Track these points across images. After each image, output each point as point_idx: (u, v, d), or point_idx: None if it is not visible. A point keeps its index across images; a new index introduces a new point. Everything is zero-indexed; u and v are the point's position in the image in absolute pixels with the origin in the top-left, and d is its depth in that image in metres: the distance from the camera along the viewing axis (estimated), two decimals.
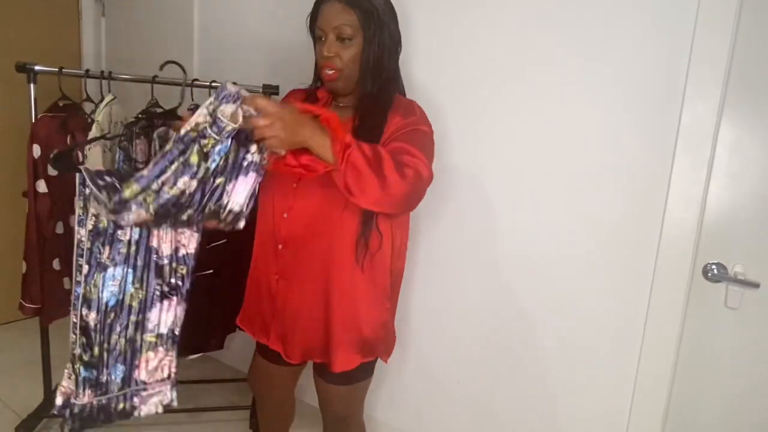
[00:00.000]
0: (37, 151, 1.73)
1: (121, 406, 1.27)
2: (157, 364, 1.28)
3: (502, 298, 1.72)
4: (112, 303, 1.20)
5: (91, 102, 1.90)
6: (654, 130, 1.43)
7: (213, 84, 1.88)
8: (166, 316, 1.26)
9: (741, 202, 1.37)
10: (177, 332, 1.29)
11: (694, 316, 1.44)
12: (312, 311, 1.30)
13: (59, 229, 1.83)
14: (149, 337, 1.26)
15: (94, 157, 1.71)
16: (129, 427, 2.02)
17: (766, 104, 1.32)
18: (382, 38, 1.27)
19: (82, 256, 1.16)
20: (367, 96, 1.29)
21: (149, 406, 1.29)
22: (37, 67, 1.73)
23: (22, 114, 1.79)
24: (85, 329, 1.19)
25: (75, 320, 1.19)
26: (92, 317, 1.18)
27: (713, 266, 1.40)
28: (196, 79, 1.93)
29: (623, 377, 1.53)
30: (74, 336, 1.20)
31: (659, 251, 1.44)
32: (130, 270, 1.20)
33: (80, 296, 1.17)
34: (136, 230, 1.19)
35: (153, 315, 1.25)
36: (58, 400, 1.26)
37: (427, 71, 1.75)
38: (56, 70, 1.75)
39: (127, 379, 1.26)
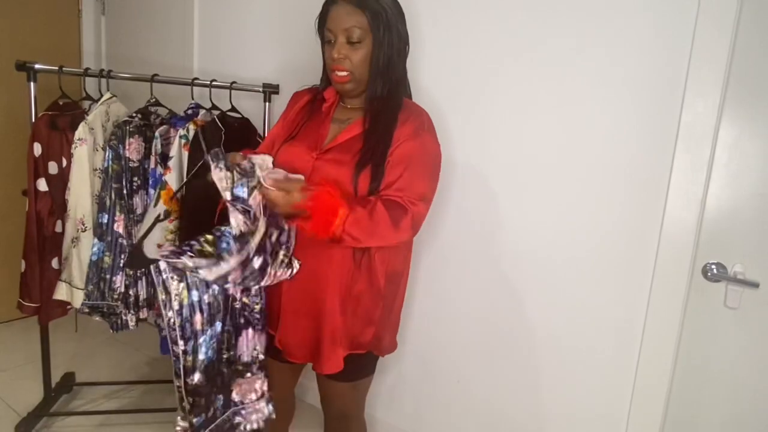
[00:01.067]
0: (38, 149, 1.73)
1: (227, 425, 1.33)
2: (248, 387, 1.33)
3: (502, 297, 1.72)
4: (214, 358, 1.25)
5: (90, 100, 1.90)
6: (654, 130, 1.43)
7: (213, 83, 1.88)
8: (249, 346, 1.31)
9: (741, 201, 1.37)
10: (262, 357, 1.33)
11: (694, 315, 1.44)
12: (310, 311, 1.30)
13: (58, 227, 1.82)
14: (237, 367, 1.31)
15: (80, 157, 1.70)
16: (131, 425, 2.03)
17: (765, 104, 1.32)
18: (391, 39, 1.26)
19: (175, 338, 1.18)
20: (376, 99, 1.29)
21: (251, 422, 1.35)
22: (37, 66, 1.73)
23: (22, 112, 1.79)
24: (194, 392, 1.22)
25: (180, 385, 1.21)
26: (197, 379, 1.21)
27: (713, 266, 1.40)
28: (197, 78, 1.93)
29: (622, 376, 1.53)
30: (184, 400, 1.22)
31: (659, 250, 1.44)
32: (220, 323, 1.24)
33: (182, 368, 1.20)
34: (215, 286, 1.22)
35: (240, 346, 1.29)
36: None
37: (430, 71, 1.74)
38: (56, 68, 1.75)
39: (227, 402, 1.31)
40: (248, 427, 1.35)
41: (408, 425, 2.00)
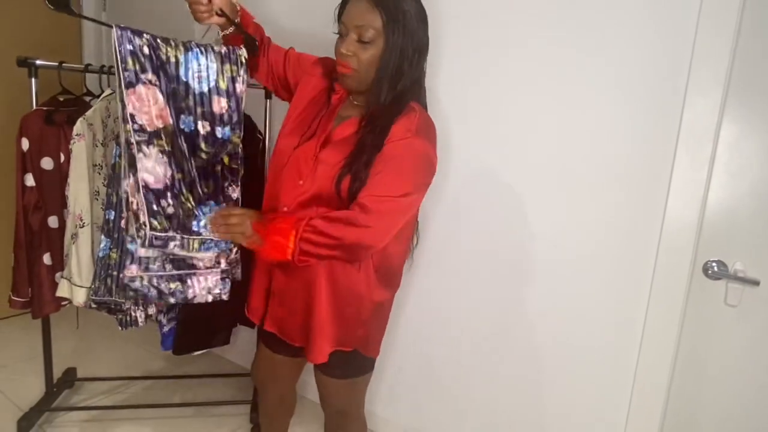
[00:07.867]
0: (25, 144, 1.71)
1: (173, 286, 1.36)
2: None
3: (502, 294, 1.73)
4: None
5: (91, 96, 1.90)
6: (655, 129, 1.43)
7: None
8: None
9: (741, 200, 1.37)
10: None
11: (694, 313, 1.45)
12: (301, 297, 1.30)
13: (53, 223, 1.79)
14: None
15: (78, 153, 1.69)
16: (132, 420, 2.04)
17: (766, 103, 1.32)
18: (405, 46, 1.20)
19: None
20: (378, 105, 1.24)
21: (201, 292, 1.39)
22: (38, 62, 1.73)
23: (25, 109, 1.79)
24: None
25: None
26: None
27: (713, 264, 1.41)
28: None
29: (623, 374, 1.53)
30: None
31: (660, 249, 1.44)
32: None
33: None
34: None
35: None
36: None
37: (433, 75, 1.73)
38: (56, 64, 1.75)
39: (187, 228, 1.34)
40: (193, 295, 1.39)
41: (407, 421, 2.01)
